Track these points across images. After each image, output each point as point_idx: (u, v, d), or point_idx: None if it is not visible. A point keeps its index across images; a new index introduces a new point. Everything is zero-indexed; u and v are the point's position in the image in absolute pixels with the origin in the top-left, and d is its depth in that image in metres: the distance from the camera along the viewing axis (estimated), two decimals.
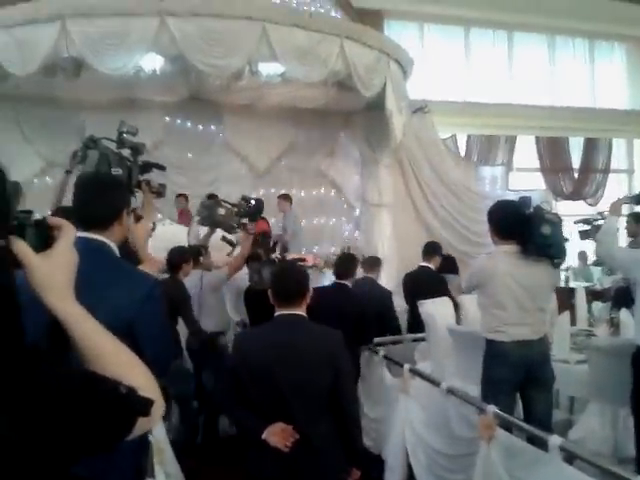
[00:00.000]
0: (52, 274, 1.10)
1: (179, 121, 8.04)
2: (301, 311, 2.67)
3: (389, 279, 8.08)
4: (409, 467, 3.84)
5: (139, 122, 7.02)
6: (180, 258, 4.76)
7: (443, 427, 3.46)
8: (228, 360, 2.89)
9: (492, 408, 2.99)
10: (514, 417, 3.10)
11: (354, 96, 7.32)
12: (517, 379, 3.35)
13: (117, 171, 3.17)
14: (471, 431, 3.19)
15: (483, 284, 3.49)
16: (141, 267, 2.43)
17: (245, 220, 5.08)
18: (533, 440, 2.92)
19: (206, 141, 8.17)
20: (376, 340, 4.79)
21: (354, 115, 8.48)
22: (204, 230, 5.44)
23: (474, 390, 3.55)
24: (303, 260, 5.73)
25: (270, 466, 2.50)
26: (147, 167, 3.46)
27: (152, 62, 6.22)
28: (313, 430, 2.51)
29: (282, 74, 6.37)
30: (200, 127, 8.07)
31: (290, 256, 6.41)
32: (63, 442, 0.92)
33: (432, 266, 5.66)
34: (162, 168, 3.60)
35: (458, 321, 5.06)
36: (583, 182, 11.45)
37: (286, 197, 7.48)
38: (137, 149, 3.41)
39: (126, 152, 3.40)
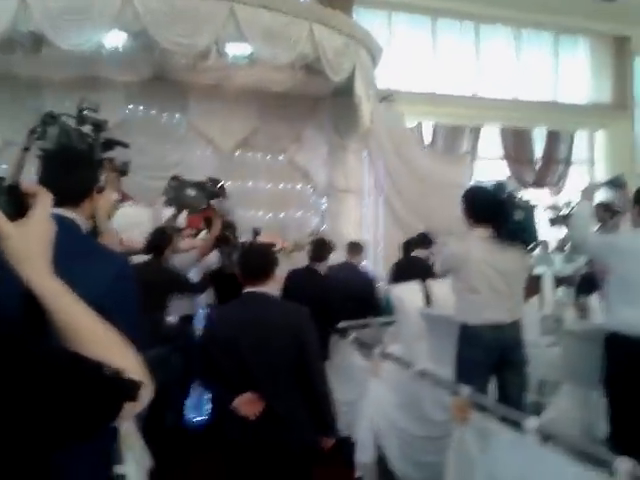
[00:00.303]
0: (27, 244, 1.01)
1: (142, 101, 7.77)
2: (267, 288, 2.81)
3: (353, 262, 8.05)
4: (379, 448, 3.82)
5: (101, 101, 6.83)
6: (163, 240, 4.61)
7: (415, 409, 3.44)
8: (201, 335, 2.99)
9: (466, 389, 2.98)
10: (485, 398, 3.09)
11: (322, 81, 7.21)
12: (491, 361, 3.35)
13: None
14: (444, 413, 3.17)
15: (457, 268, 3.48)
16: (100, 240, 2.37)
17: (213, 201, 4.99)
18: (506, 423, 2.92)
19: (170, 122, 7.94)
20: (346, 324, 4.76)
21: (321, 101, 8.37)
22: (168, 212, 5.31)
23: (446, 373, 3.54)
24: (273, 244, 5.65)
25: (240, 432, 2.70)
26: (109, 145, 3.35)
27: (115, 38, 5.98)
28: (279, 402, 2.69)
29: (249, 55, 6.22)
30: (164, 108, 7.82)
31: (261, 239, 6.32)
32: (43, 427, 0.83)
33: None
34: (125, 145, 3.51)
35: (427, 304, 5.05)
36: (545, 172, 11.64)
37: None
38: (99, 126, 3.29)
39: (87, 129, 3.29)
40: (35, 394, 0.82)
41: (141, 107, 7.80)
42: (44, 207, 1.05)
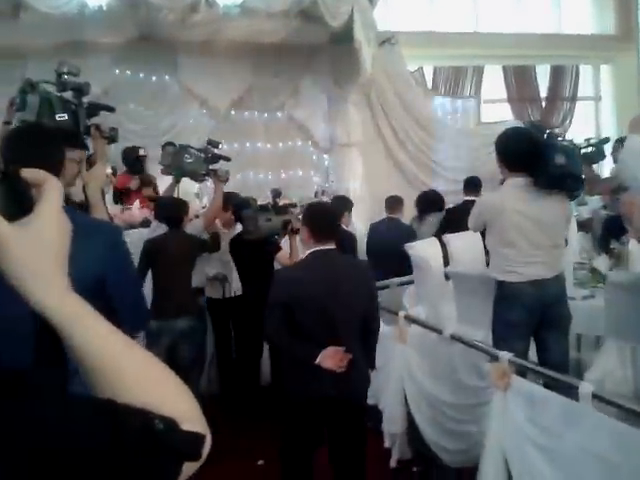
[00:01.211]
0: (34, 253, 0.70)
1: (129, 64, 7.40)
2: (332, 245, 2.89)
3: (362, 220, 7.81)
4: (409, 417, 3.64)
5: (86, 67, 6.47)
6: (183, 210, 4.43)
7: (448, 376, 3.23)
8: (273, 294, 2.90)
9: (506, 355, 2.75)
10: (529, 362, 2.87)
11: (318, 28, 6.85)
12: (532, 321, 3.12)
13: (62, 116, 2.82)
14: (481, 379, 2.96)
15: (490, 222, 3.21)
16: (92, 213, 2.27)
17: (214, 166, 4.71)
18: (550, 387, 2.72)
19: (160, 84, 7.58)
20: None
21: (318, 50, 7.97)
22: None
23: (479, 336, 3.32)
24: (294, 205, 5.41)
25: (324, 387, 2.74)
26: (94, 109, 3.09)
27: None
28: (356, 352, 2.80)
29: (241, 4, 5.83)
30: (153, 69, 7.46)
31: (282, 201, 6.10)
32: None
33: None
34: (110, 109, 3.26)
35: (446, 261, 4.82)
36: (551, 111, 11.20)
37: None
38: (80, 90, 3.02)
39: (69, 95, 3.03)
40: (50, 466, 0.56)
41: (129, 70, 7.43)
42: (54, 200, 0.73)
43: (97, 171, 2.69)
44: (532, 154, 3.06)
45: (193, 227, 4.63)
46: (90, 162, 2.80)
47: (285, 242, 4.59)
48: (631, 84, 11.54)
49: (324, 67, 8.09)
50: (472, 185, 6.01)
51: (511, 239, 3.13)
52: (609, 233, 4.75)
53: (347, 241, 5.12)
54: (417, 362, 3.51)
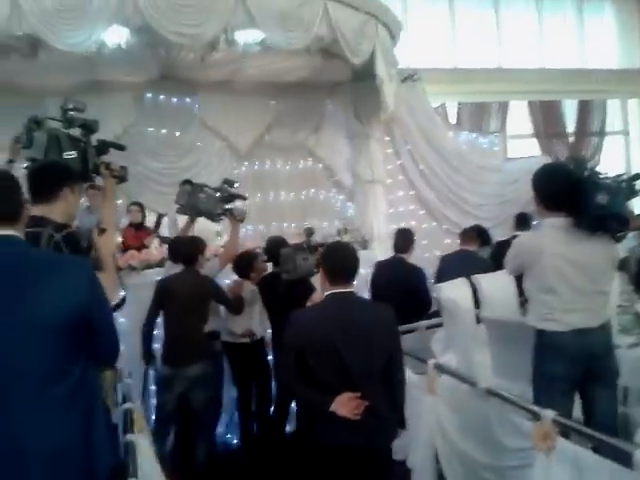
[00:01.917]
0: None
1: (151, 102, 7.35)
2: (351, 288, 2.79)
3: (385, 256, 7.59)
4: (440, 476, 3.36)
5: (107, 106, 6.47)
6: (197, 248, 4.32)
7: (483, 434, 2.96)
8: (287, 338, 2.80)
9: (550, 414, 2.49)
10: (575, 422, 2.60)
11: (340, 65, 6.73)
12: (576, 375, 2.84)
13: (70, 154, 2.75)
14: (521, 439, 2.69)
15: (529, 265, 2.96)
16: (101, 277, 2.19)
17: (229, 205, 4.59)
18: (599, 450, 2.45)
19: (181, 122, 7.49)
20: None
21: (340, 87, 7.87)
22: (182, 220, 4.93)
23: (515, 389, 3.05)
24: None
25: (341, 435, 2.59)
26: (104, 147, 2.99)
27: (116, 35, 5.54)
28: (375, 398, 2.63)
29: (261, 42, 5.72)
30: (174, 107, 7.39)
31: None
32: None
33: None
34: (121, 148, 3.17)
35: (476, 304, 4.56)
36: (579, 146, 11.00)
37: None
38: (89, 127, 2.93)
39: (76, 132, 2.93)
40: None
41: (149, 108, 7.38)
42: None
43: (108, 238, 2.77)
44: (571, 192, 2.83)
45: (209, 267, 4.48)
46: (99, 228, 2.83)
47: (316, 282, 4.43)
48: None
49: (346, 104, 7.97)
50: (523, 220, 6.16)
51: (551, 284, 2.87)
52: None
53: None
54: (448, 416, 3.24)
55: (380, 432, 2.69)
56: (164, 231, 6.58)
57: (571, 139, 10.98)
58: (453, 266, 5.45)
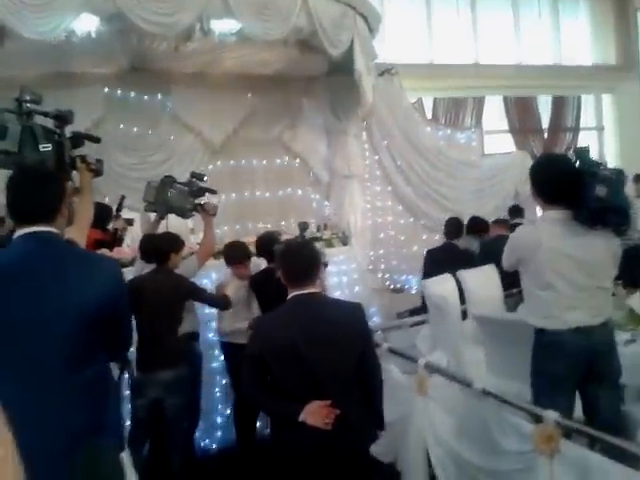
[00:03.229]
0: None
1: (121, 95, 7.07)
2: (315, 289, 2.62)
3: (364, 253, 7.50)
4: (432, 478, 3.24)
5: (76, 99, 6.20)
6: (166, 245, 4.08)
7: (479, 436, 2.84)
8: (249, 346, 2.67)
9: (552, 415, 2.38)
10: (577, 423, 2.49)
11: (317, 58, 6.58)
12: (577, 374, 2.73)
13: (46, 147, 2.58)
14: (521, 442, 2.57)
15: (525, 261, 2.85)
16: None
17: (200, 200, 4.41)
18: (606, 451, 2.34)
19: (153, 116, 7.23)
20: (371, 327, 4.20)
21: (317, 81, 7.70)
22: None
23: (512, 389, 2.94)
24: (318, 239, 5.17)
25: (309, 446, 2.44)
26: (78, 139, 2.79)
27: (86, 23, 5.29)
28: (347, 405, 2.48)
29: (238, 32, 5.53)
30: (146, 100, 7.13)
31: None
32: None
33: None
34: (96, 140, 2.97)
35: (461, 300, 4.47)
36: (553, 142, 11.01)
37: None
38: (64, 118, 2.74)
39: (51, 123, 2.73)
40: None
41: (120, 101, 7.11)
42: None
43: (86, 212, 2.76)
44: (570, 185, 2.71)
45: (185, 266, 4.28)
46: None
47: None
48: (633, 113, 11.43)
49: (322, 98, 7.81)
50: (516, 211, 6.86)
51: (548, 280, 2.76)
52: (632, 265, 4.40)
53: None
54: (441, 417, 3.12)
55: (354, 440, 2.53)
56: (136, 229, 6.33)
57: (546, 135, 10.97)
58: (440, 260, 5.54)
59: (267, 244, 4.47)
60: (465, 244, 5.76)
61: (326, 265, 4.36)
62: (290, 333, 2.48)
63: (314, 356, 2.45)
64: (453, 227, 5.93)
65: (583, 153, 2.87)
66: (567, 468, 2.31)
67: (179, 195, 4.29)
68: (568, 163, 2.86)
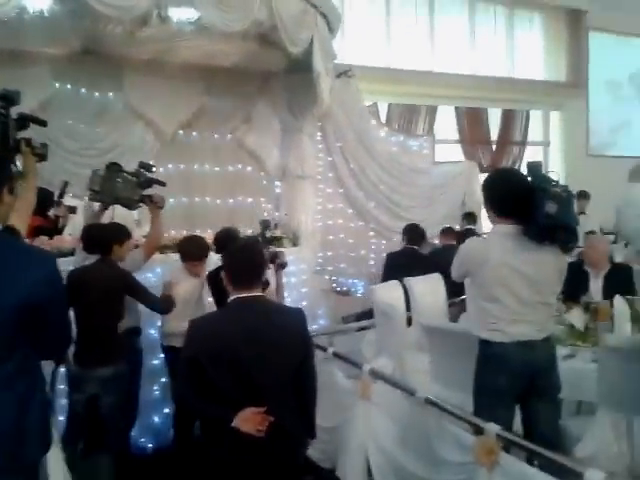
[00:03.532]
0: None
1: (70, 79, 6.83)
2: (258, 292, 2.57)
3: (313, 254, 7.47)
4: None
5: (23, 79, 5.94)
6: (108, 235, 3.93)
7: (420, 445, 2.85)
8: (184, 348, 2.55)
9: (494, 428, 2.40)
10: (518, 437, 2.52)
11: (275, 54, 6.49)
12: (519, 388, 2.77)
13: None
14: (462, 453, 2.59)
15: (473, 272, 2.87)
16: None
17: (148, 191, 4.28)
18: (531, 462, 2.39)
19: (102, 102, 7.01)
20: (317, 330, 4.19)
21: (273, 77, 7.61)
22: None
23: (455, 399, 2.96)
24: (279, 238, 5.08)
25: (242, 455, 2.39)
26: (24, 121, 2.66)
27: (39, 1, 5.08)
28: (283, 412, 2.45)
29: (196, 21, 5.41)
30: (96, 83, 6.90)
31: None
32: None
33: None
34: (42, 123, 2.86)
35: (408, 307, 4.50)
36: (501, 154, 11.23)
37: None
38: (10, 98, 2.60)
39: None
40: None
41: (70, 84, 6.87)
42: None
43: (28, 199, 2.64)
44: (521, 200, 2.74)
45: (132, 259, 4.15)
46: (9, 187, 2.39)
47: (271, 277, 4.20)
48: (580, 131, 11.80)
49: (279, 95, 7.72)
50: (470, 217, 7.64)
51: (495, 293, 2.78)
52: (573, 281, 4.53)
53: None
54: (383, 424, 3.12)
55: (287, 448, 2.50)
56: (79, 218, 6.11)
57: (494, 147, 11.19)
58: (399, 264, 5.80)
59: (226, 240, 4.35)
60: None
61: (284, 266, 4.29)
62: (229, 336, 2.42)
63: (253, 361, 2.40)
64: (415, 233, 6.26)
65: (535, 168, 2.91)
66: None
67: (126, 185, 4.16)
68: (521, 178, 2.89)
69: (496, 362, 2.78)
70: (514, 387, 2.77)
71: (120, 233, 4.07)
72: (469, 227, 7.12)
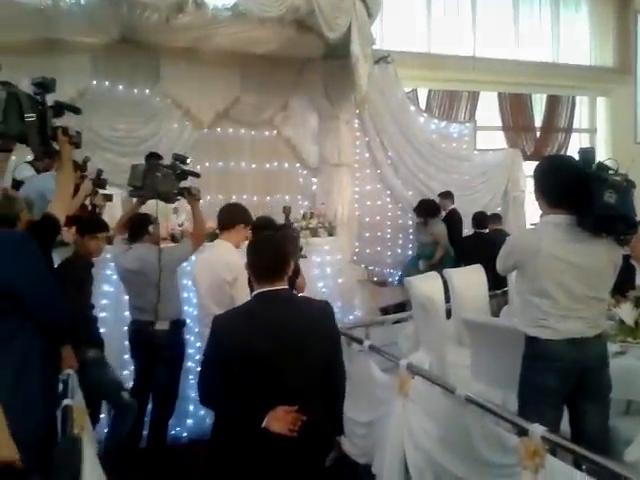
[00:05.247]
0: None
1: (109, 67, 6.83)
2: (284, 285, 2.47)
3: (349, 244, 7.37)
4: None
5: (62, 68, 5.95)
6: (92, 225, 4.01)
7: (461, 444, 2.72)
8: (208, 347, 2.46)
9: (539, 429, 2.26)
10: (566, 440, 2.38)
11: (312, 40, 6.39)
12: (568, 387, 2.62)
13: (31, 117, 2.43)
14: (505, 455, 2.46)
15: (522, 265, 2.71)
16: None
17: (184, 183, 4.24)
18: (592, 471, 2.24)
19: (140, 91, 7.00)
20: (353, 321, 4.09)
21: (310, 64, 7.49)
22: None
23: (496, 397, 2.83)
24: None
25: (273, 453, 2.30)
26: (60, 109, 2.63)
27: None
28: (312, 409, 2.36)
29: (232, 7, 5.34)
30: (134, 72, 6.89)
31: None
32: None
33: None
34: (77, 111, 2.80)
35: (447, 298, 4.36)
36: (545, 141, 10.92)
37: None
38: (47, 86, 2.57)
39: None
40: None
41: (107, 74, 6.88)
42: None
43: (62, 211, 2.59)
44: (576, 189, 2.58)
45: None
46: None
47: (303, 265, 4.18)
48: (627, 117, 11.37)
49: (316, 82, 7.60)
50: (479, 220, 7.26)
51: (546, 288, 2.63)
52: (622, 275, 4.32)
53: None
54: (421, 421, 3.00)
55: (316, 446, 2.42)
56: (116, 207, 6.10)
57: (538, 134, 10.87)
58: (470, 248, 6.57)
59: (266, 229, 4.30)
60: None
61: (304, 256, 4.22)
62: (254, 333, 2.34)
63: (280, 357, 2.31)
64: (482, 218, 7.16)
65: (588, 154, 2.73)
66: None
67: (165, 179, 4.12)
68: (574, 165, 2.72)
69: (544, 360, 2.63)
70: (563, 386, 2.63)
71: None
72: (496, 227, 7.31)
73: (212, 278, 3.62)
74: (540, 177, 2.79)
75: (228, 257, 3.60)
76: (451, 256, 7.36)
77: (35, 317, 2.17)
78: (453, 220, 7.67)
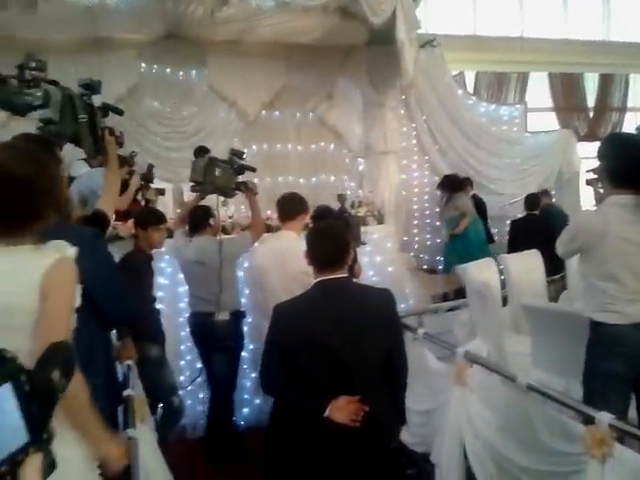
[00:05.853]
0: None
1: (155, 63, 6.94)
2: (345, 273, 2.45)
3: (398, 232, 7.30)
4: (468, 474, 3.07)
5: (110, 64, 6.05)
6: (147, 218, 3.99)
7: (522, 433, 2.65)
8: (270, 335, 2.45)
9: (606, 417, 2.18)
10: (633, 427, 2.29)
11: (356, 26, 6.34)
12: (636, 373, 2.53)
13: (83, 118, 2.48)
14: (569, 443, 2.38)
15: (588, 248, 2.62)
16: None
17: (240, 178, 4.26)
18: None
19: (187, 85, 7.09)
20: (406, 309, 4.04)
21: (355, 51, 7.44)
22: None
23: (559, 385, 2.75)
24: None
25: (333, 445, 2.28)
26: (105, 110, 2.68)
27: None
28: (374, 398, 2.33)
29: None
30: (180, 69, 6.99)
31: None
32: None
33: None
34: (120, 112, 2.81)
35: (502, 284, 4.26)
36: (599, 122, 10.57)
37: None
38: (93, 87, 2.61)
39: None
40: None
41: (155, 69, 6.98)
42: None
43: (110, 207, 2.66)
44: None
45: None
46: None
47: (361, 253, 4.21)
48: None
49: (360, 69, 7.53)
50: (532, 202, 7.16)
51: (613, 271, 2.53)
52: None
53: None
54: (480, 410, 2.93)
55: (379, 436, 2.38)
56: (168, 201, 6.18)
57: (591, 114, 10.52)
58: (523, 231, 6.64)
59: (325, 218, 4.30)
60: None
61: (364, 243, 4.20)
62: (316, 321, 2.33)
63: (341, 346, 2.29)
64: (535, 200, 7.10)
65: None
66: (621, 475, 2.13)
67: (224, 174, 4.14)
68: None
69: (611, 345, 2.54)
70: (631, 372, 2.53)
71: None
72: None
73: (284, 269, 3.62)
74: (604, 157, 2.69)
75: (298, 248, 3.60)
76: (479, 229, 7.18)
77: (103, 312, 2.18)
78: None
